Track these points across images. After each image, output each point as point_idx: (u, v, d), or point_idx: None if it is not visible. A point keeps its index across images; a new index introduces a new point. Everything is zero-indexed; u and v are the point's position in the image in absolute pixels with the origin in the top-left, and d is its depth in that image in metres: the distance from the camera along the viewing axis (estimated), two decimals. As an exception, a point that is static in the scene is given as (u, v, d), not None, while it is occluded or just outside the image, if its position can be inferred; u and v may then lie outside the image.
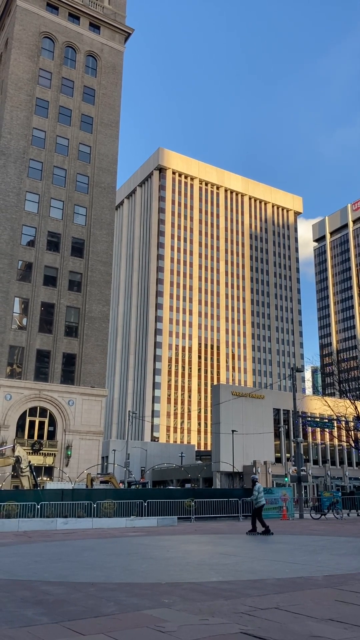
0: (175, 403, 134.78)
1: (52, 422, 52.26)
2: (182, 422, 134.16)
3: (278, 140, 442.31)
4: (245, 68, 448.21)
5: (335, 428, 52.21)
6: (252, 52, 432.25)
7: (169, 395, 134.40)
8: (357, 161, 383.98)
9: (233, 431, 68.36)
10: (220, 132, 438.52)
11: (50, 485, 42.36)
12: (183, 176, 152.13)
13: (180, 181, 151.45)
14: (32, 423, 51.43)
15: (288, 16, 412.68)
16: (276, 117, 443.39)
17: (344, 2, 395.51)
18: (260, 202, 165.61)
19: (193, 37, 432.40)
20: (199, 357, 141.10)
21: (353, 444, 47.35)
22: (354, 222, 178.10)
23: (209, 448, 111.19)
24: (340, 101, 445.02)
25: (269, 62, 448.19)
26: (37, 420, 51.64)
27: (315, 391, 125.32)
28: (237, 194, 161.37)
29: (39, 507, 27.00)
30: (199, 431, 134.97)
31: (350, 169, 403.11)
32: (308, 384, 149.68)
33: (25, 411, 51.17)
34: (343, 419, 46.88)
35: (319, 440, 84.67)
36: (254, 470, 69.26)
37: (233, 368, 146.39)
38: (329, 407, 47.08)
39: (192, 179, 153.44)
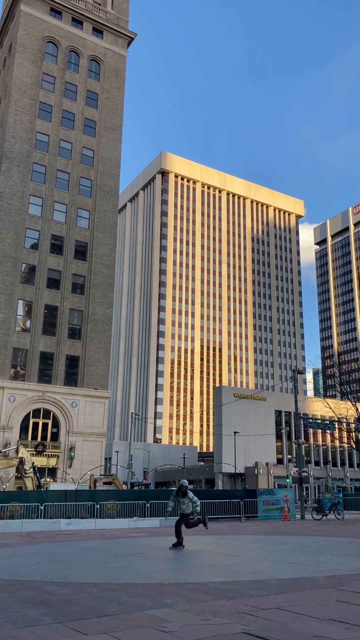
0: (178, 405, 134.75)
1: (56, 423, 52.36)
2: (185, 424, 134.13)
3: (280, 144, 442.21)
4: (248, 74, 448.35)
5: (337, 429, 52.29)
6: (255, 58, 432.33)
7: (172, 397, 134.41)
8: (359, 166, 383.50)
9: (235, 433, 68.35)
10: (223, 136, 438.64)
11: (54, 486, 42.49)
12: (185, 180, 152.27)
13: (182, 185, 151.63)
14: (35, 424, 51.55)
15: (292, 24, 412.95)
16: (279, 122, 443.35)
17: (348, 11, 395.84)
18: (262, 206, 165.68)
19: (196, 42, 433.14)
20: (201, 359, 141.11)
21: (354, 446, 47.36)
22: (355, 225, 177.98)
23: (211, 449, 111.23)
24: (343, 108, 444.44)
25: (272, 68, 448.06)
26: (40, 421, 51.75)
27: (316, 393, 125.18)
28: (239, 197, 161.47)
29: (42, 508, 27.09)
30: (201, 433, 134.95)
31: (352, 174, 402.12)
32: (309, 386, 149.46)
33: (29, 413, 51.29)
34: (344, 420, 46.94)
35: (320, 442, 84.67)
36: (256, 472, 69.19)
37: (235, 370, 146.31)
38: (330, 408, 47.18)
39: (194, 182, 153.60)
